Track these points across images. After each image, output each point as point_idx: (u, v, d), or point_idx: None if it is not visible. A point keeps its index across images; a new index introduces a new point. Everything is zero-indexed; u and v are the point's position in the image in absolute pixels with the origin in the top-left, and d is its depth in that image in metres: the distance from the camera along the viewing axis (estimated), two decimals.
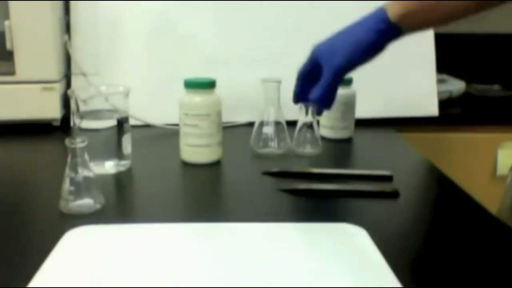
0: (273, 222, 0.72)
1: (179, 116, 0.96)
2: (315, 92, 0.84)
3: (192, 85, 0.94)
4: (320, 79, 0.84)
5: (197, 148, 0.95)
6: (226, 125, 1.09)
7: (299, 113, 1.00)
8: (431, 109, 1.29)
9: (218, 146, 0.96)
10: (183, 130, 0.96)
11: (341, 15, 1.25)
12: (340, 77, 0.84)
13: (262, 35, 1.26)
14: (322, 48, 0.86)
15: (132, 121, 0.97)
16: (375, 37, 0.81)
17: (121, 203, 0.85)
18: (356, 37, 0.83)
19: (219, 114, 0.95)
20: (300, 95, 0.90)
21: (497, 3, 0.80)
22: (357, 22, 0.85)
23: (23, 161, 1.01)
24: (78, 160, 0.75)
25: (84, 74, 1.18)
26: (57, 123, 1.17)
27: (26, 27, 1.10)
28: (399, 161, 1.04)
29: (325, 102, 0.85)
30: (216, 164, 0.96)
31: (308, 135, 1.01)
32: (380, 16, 0.82)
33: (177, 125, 1.08)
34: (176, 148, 0.98)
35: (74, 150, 0.75)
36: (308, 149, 1.02)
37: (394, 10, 0.81)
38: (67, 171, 0.76)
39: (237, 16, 1.26)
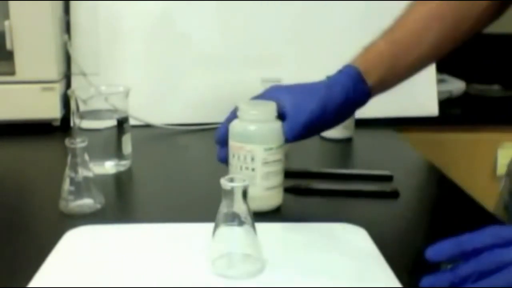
0: (273, 222, 0.72)
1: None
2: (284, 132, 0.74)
3: None
4: (287, 121, 0.74)
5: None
6: None
7: None
8: (431, 109, 1.28)
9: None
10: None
11: (340, 15, 1.26)
12: (309, 126, 0.74)
13: (262, 34, 1.26)
14: (288, 91, 0.76)
15: (132, 121, 0.96)
16: (350, 98, 0.75)
17: (121, 203, 0.85)
18: (332, 90, 0.74)
19: None
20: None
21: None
22: (331, 78, 0.77)
23: (23, 161, 1.01)
24: (78, 160, 0.75)
25: (84, 74, 1.18)
26: (57, 123, 1.17)
27: (26, 27, 1.10)
28: (399, 161, 1.04)
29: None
30: (216, 163, 0.96)
31: None
32: (360, 86, 0.75)
33: (177, 125, 1.08)
34: (176, 148, 0.98)
35: (74, 150, 0.75)
36: None
37: (373, 78, 0.76)
38: (67, 171, 0.76)
39: (237, 16, 1.26)
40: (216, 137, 0.78)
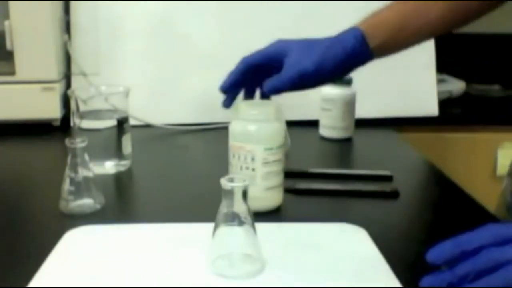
0: (273, 222, 0.72)
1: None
2: (273, 82, 0.81)
3: None
4: (281, 73, 0.81)
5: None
6: (226, 124, 1.08)
7: None
8: (431, 109, 1.28)
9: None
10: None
11: (340, 15, 1.26)
12: (302, 81, 0.80)
13: (262, 34, 1.25)
14: (291, 45, 0.83)
15: (132, 121, 0.96)
16: (350, 56, 0.80)
17: (121, 203, 0.85)
18: (332, 50, 0.80)
19: None
20: (235, 84, 0.86)
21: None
22: (334, 37, 0.82)
23: (23, 161, 1.01)
24: (78, 160, 0.75)
25: (84, 74, 1.18)
26: (57, 123, 1.17)
27: (26, 27, 1.10)
28: (399, 161, 1.04)
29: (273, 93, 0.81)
30: (216, 163, 0.96)
31: None
32: (360, 39, 0.80)
33: (177, 125, 1.08)
34: (176, 148, 0.98)
35: (74, 150, 0.75)
36: None
37: (375, 42, 0.81)
38: (67, 171, 0.76)
39: (237, 16, 1.26)
40: (220, 86, 0.86)
